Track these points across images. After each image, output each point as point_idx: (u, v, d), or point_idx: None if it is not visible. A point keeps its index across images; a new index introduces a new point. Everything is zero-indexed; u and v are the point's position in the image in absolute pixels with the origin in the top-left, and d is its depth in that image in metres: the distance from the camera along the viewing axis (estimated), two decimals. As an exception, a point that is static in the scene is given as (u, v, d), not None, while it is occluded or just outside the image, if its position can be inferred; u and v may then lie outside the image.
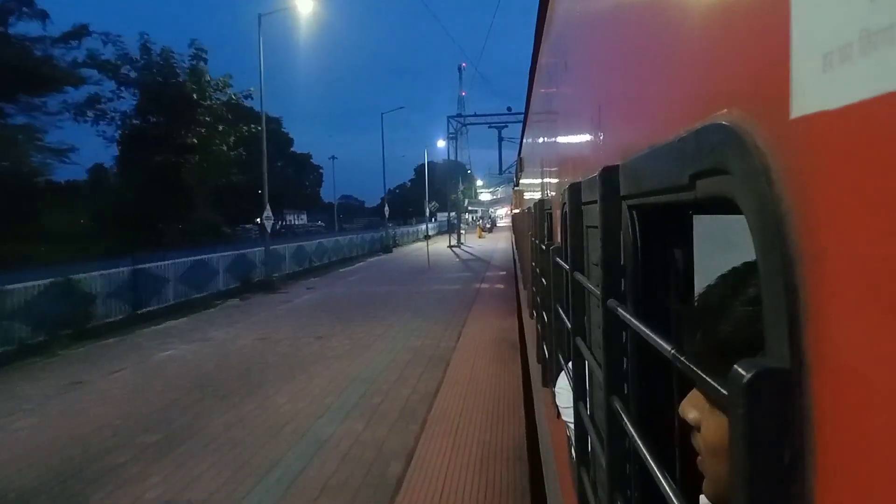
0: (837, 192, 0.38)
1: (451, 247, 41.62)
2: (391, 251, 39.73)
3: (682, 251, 0.97)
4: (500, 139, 51.33)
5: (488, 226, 72.84)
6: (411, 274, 25.80)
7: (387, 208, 39.56)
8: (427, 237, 44.55)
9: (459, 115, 48.09)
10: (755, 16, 0.50)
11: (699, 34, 0.67)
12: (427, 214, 50.28)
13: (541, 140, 4.67)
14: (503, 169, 49.99)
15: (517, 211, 14.37)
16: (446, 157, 44.62)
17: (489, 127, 48.94)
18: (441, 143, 43.50)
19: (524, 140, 9.41)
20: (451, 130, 47.20)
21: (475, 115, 49.37)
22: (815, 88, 0.39)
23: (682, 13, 0.73)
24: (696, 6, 0.68)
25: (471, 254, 37.18)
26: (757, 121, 0.48)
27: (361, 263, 31.34)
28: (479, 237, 58.31)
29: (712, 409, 0.67)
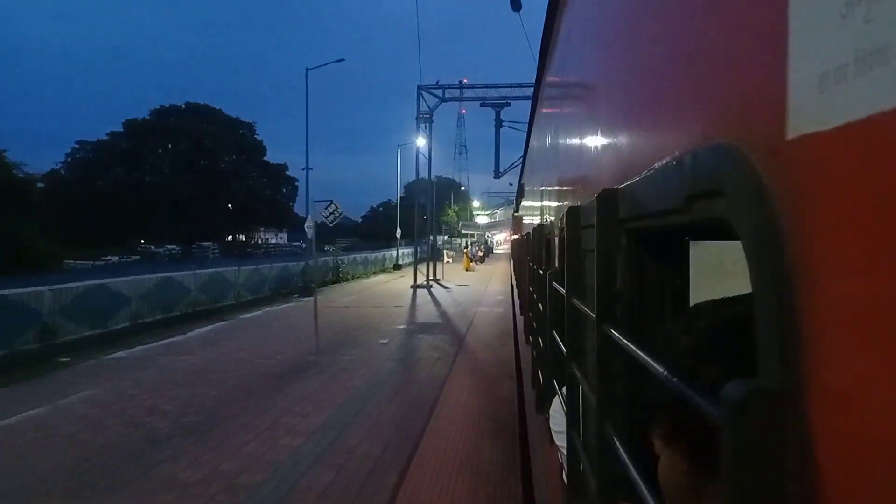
0: (833, 213, 0.37)
1: (417, 286, 26.22)
2: (311, 295, 20.19)
3: (678, 276, 0.97)
4: (499, 125, 32.16)
5: (480, 254, 54.40)
6: (250, 383, 10.11)
7: (310, 223, 17.28)
8: (397, 267, 35.29)
9: (437, 86, 29.81)
10: (751, 38, 0.51)
11: (696, 57, 0.68)
12: (399, 240, 38.87)
13: (541, 165, 4.70)
14: (501, 169, 32.96)
15: (516, 237, 14.37)
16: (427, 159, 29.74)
17: (482, 105, 31.32)
18: (421, 142, 29.25)
19: (525, 166, 9.48)
20: (425, 109, 29.05)
21: (461, 87, 30.46)
22: (812, 109, 0.39)
23: (679, 37, 0.74)
24: (692, 29, 0.69)
25: (436, 305, 21.06)
26: (753, 142, 0.49)
27: (223, 324, 16.24)
28: (467, 269, 40.89)
29: (667, 444, 0.69)
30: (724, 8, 0.58)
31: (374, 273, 37.12)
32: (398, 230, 30.82)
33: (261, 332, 15.11)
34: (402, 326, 15.71)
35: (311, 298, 15.79)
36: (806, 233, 0.40)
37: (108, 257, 55.42)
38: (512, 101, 31.17)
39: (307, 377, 9.99)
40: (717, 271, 1.07)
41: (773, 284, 0.43)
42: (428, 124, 29.52)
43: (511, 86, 30.72)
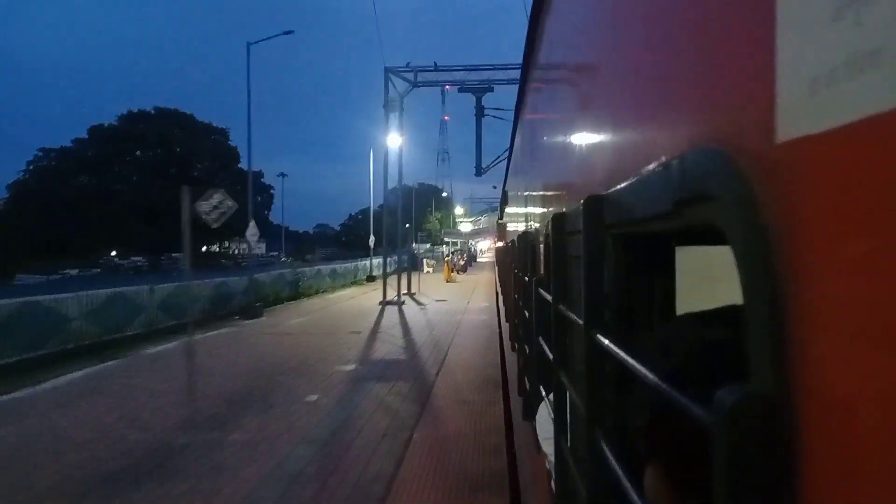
0: (823, 217, 0.37)
1: (386, 303, 22.01)
2: (260, 315, 19.46)
3: (665, 281, 0.97)
4: (480, 113, 26.57)
5: (461, 262, 49.65)
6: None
7: (253, 228, 19.47)
8: (371, 278, 30.02)
9: (407, 68, 24.95)
10: (741, 41, 0.51)
11: (685, 60, 0.68)
12: (373, 248, 32.43)
13: (525, 171, 4.72)
14: (484, 165, 27.80)
15: (500, 244, 14.38)
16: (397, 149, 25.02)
17: (461, 90, 25.92)
18: (394, 142, 24.80)
19: (509, 173, 9.51)
20: (393, 93, 24.22)
21: (436, 69, 25.20)
22: (802, 112, 0.39)
23: (668, 40, 0.74)
24: (681, 32, 0.70)
25: (403, 330, 16.64)
26: (742, 146, 0.48)
27: (111, 364, 12.01)
28: (447, 280, 37.01)
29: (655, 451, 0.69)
30: (714, 11, 0.58)
31: (343, 286, 32.70)
32: (371, 238, 26.00)
33: (150, 378, 10.59)
34: (348, 367, 11.26)
35: (256, 321, 15.39)
36: (796, 237, 0.40)
37: (68, 270, 53.21)
38: (496, 86, 25.59)
39: (149, 485, 5.70)
40: (704, 276, 1.08)
41: (763, 289, 0.43)
42: (398, 114, 24.43)
43: (494, 67, 25.54)
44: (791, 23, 0.40)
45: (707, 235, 0.57)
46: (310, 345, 13.79)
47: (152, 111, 74.96)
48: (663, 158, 0.67)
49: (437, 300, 25.10)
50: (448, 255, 50.26)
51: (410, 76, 24.70)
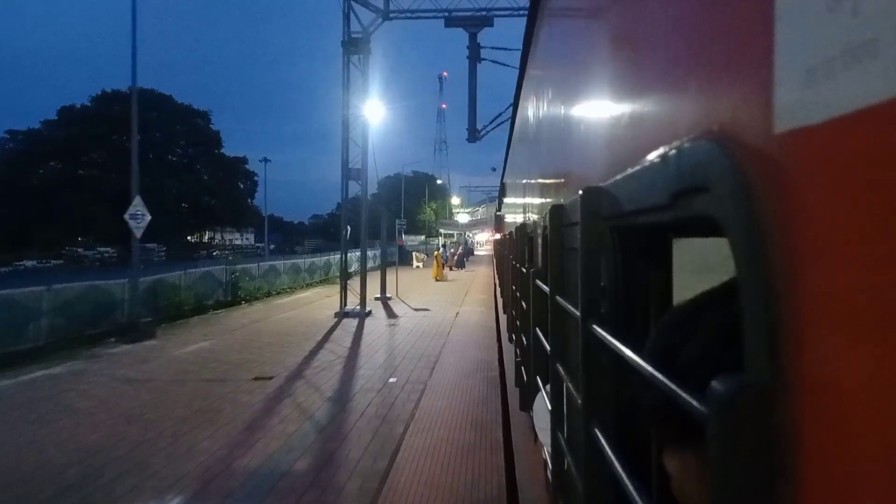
0: (820, 208, 0.37)
1: (345, 315, 16.81)
2: (151, 335, 13.55)
3: (662, 273, 0.97)
4: (475, 56, 19.05)
5: (456, 257, 41.80)
6: None
7: (138, 205, 13.64)
8: (345, 276, 17.74)
9: None
10: (738, 32, 0.50)
11: (681, 52, 0.68)
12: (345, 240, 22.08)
13: (524, 163, 4.71)
14: (481, 130, 19.79)
15: (499, 236, 14.28)
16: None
17: (448, 23, 18.71)
18: (365, 106, 18.08)
19: (507, 165, 9.50)
20: (357, 28, 17.66)
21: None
22: (799, 103, 0.39)
23: (664, 32, 0.74)
24: (677, 24, 0.69)
25: (339, 380, 9.69)
26: (739, 137, 0.48)
27: None
28: (437, 279, 30.63)
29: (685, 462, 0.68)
30: (712, 2, 0.58)
31: (307, 285, 26.51)
32: (346, 229, 18.33)
33: None
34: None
35: (134, 347, 10.55)
36: (793, 228, 0.40)
37: (24, 262, 49.57)
38: (497, 18, 18.70)
39: None
40: (701, 268, 1.08)
41: (759, 279, 0.43)
42: (363, 57, 18.00)
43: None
44: (789, 13, 0.40)
45: (705, 227, 0.57)
46: (148, 420, 7.57)
47: (127, 91, 68.55)
48: (661, 150, 0.67)
49: (418, 308, 18.94)
50: (439, 249, 39.57)
51: (380, 2, 17.95)
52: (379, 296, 20.63)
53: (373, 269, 21.36)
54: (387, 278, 21.36)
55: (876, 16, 0.31)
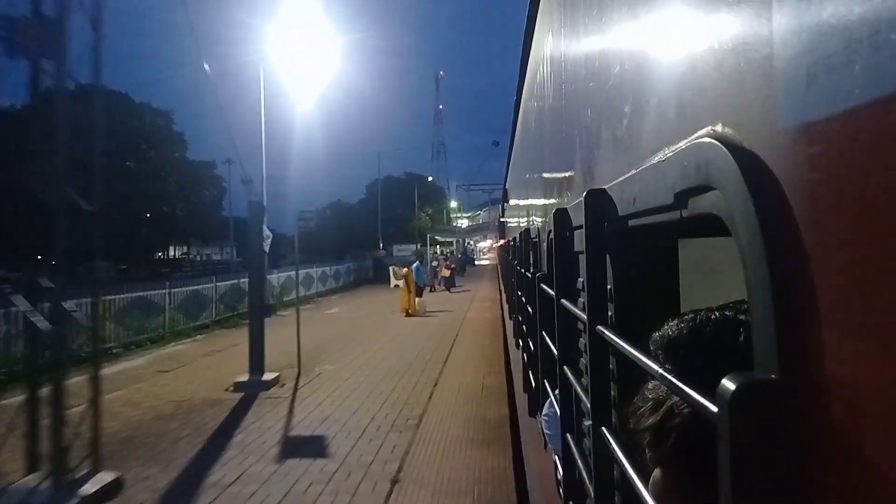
0: (826, 204, 0.37)
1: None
2: None
3: (669, 275, 0.97)
4: None
5: (444, 272, 29.64)
6: None
7: None
8: (258, 316, 9.13)
9: None
10: (740, 28, 0.50)
11: (683, 51, 0.67)
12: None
13: (526, 167, 4.71)
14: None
15: (502, 242, 14.24)
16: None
17: None
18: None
19: (509, 170, 9.50)
20: None
21: None
22: (802, 98, 0.38)
23: (666, 30, 0.74)
24: (678, 22, 0.69)
25: None
26: (744, 135, 0.48)
27: None
28: (407, 313, 18.31)
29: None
30: (714, 1, 0.58)
31: (219, 324, 16.71)
32: (266, 233, 10.49)
33: None
34: None
35: None
36: (799, 225, 0.40)
37: None
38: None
39: None
40: (706, 269, 1.07)
41: (767, 278, 0.43)
42: None
43: None
44: (791, 8, 0.40)
45: (710, 227, 0.57)
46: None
47: (73, 89, 61.95)
48: (665, 150, 0.67)
49: (328, 419, 7.46)
50: (412, 264, 21.57)
51: None
52: (246, 377, 9.43)
53: (329, 292, 14.79)
54: (302, 325, 10.57)
55: (879, 9, 0.31)
